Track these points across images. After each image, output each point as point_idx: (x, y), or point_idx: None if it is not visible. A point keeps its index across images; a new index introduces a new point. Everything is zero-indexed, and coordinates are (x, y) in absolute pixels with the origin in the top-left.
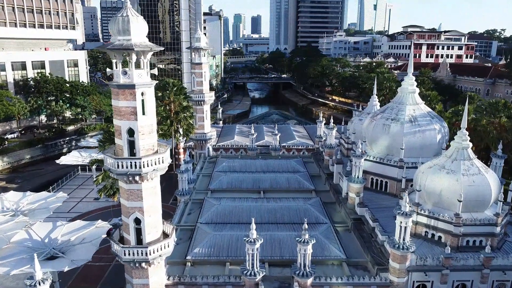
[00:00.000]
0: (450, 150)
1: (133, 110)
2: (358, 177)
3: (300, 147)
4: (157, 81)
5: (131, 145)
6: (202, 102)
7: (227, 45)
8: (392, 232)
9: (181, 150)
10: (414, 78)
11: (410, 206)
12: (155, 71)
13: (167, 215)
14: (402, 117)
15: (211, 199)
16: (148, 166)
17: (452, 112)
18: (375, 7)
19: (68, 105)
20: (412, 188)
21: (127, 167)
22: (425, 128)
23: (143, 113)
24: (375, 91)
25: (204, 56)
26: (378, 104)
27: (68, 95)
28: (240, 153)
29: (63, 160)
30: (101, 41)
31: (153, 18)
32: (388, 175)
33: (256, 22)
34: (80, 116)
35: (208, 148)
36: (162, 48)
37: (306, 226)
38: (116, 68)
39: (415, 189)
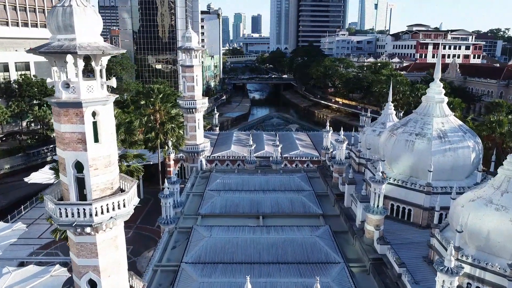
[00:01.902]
0: (498, 179)
1: (80, 137)
2: (378, 206)
3: (304, 159)
4: (144, 88)
5: (81, 183)
6: (193, 110)
7: (227, 45)
8: (424, 280)
9: (172, 162)
10: (441, 85)
11: (455, 259)
12: (114, 83)
13: (152, 242)
14: (429, 132)
15: (200, 229)
16: (102, 213)
17: (480, 122)
18: (376, 6)
19: None
20: (445, 223)
21: (73, 216)
22: (457, 146)
23: (96, 141)
24: (390, 98)
25: (196, 57)
26: (394, 112)
27: None
28: (237, 165)
29: (32, 178)
30: None
31: (152, 16)
32: (412, 202)
33: (256, 21)
34: None
35: (201, 161)
36: (123, 51)
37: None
38: (59, 78)
39: (454, 229)
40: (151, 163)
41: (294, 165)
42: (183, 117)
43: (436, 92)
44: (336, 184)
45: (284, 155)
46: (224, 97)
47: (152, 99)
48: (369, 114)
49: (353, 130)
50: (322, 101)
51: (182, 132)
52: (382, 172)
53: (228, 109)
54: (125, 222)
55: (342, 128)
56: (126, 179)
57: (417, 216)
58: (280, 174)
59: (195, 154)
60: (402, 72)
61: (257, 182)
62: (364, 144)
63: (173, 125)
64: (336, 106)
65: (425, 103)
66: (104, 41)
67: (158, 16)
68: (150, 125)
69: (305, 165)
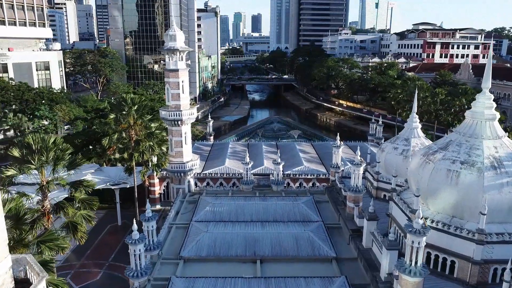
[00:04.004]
0: None
1: None
2: (416, 264)
3: (309, 176)
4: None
5: None
6: (179, 122)
7: (227, 44)
8: None
9: (156, 181)
10: (492, 96)
11: None
12: None
13: (126, 286)
14: (478, 159)
15: (179, 282)
16: None
17: None
18: (376, 5)
19: (30, 116)
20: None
21: None
22: None
23: None
24: (415, 109)
25: (182, 60)
26: (420, 126)
27: (31, 105)
28: (232, 184)
29: None
30: (97, 40)
31: (145, 14)
32: (457, 252)
33: (256, 21)
34: (43, 130)
35: (189, 182)
36: None
37: None
38: None
39: None
40: (128, 186)
41: (297, 184)
42: (167, 131)
43: (485, 106)
44: (351, 216)
45: (286, 172)
46: (222, 99)
47: (124, 112)
48: (380, 122)
49: (369, 150)
50: (325, 104)
51: (164, 149)
52: (423, 219)
53: (226, 112)
54: (95, 260)
55: (358, 149)
56: (32, 268)
57: (464, 270)
58: (282, 197)
59: (182, 174)
60: (410, 73)
61: (254, 210)
62: (383, 164)
63: (151, 143)
64: (340, 109)
65: (470, 120)
66: (101, 41)
67: (152, 14)
68: (125, 141)
69: (310, 184)
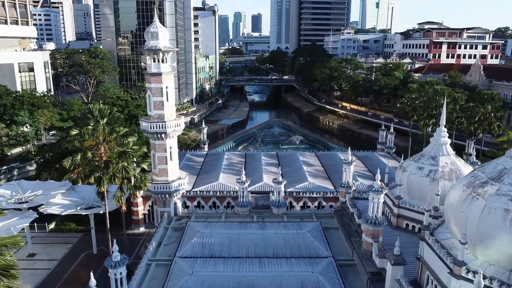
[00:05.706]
0: None
1: None
2: None
3: (314, 195)
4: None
5: None
6: (162, 135)
7: (227, 44)
8: None
9: (139, 200)
10: None
11: None
12: None
13: None
14: None
15: None
16: None
17: None
18: (377, 5)
19: (8, 122)
20: None
21: None
22: None
23: None
24: (443, 120)
25: (166, 62)
26: (449, 141)
27: (10, 110)
28: (225, 205)
29: None
30: (95, 39)
31: (145, 12)
32: None
33: (256, 20)
34: (21, 136)
35: (175, 204)
36: None
37: None
38: None
39: None
40: (101, 212)
41: (301, 204)
42: (150, 145)
43: None
44: (369, 253)
45: (288, 189)
46: (220, 101)
47: (90, 127)
48: (392, 130)
49: (375, 148)
50: (328, 106)
51: (145, 167)
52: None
53: (224, 114)
54: None
55: (379, 172)
56: None
57: None
58: (284, 224)
59: (167, 196)
60: (416, 74)
61: (251, 242)
62: (405, 187)
63: (125, 164)
64: (343, 111)
65: None
66: (98, 41)
67: (146, 12)
68: (95, 159)
69: (316, 203)
